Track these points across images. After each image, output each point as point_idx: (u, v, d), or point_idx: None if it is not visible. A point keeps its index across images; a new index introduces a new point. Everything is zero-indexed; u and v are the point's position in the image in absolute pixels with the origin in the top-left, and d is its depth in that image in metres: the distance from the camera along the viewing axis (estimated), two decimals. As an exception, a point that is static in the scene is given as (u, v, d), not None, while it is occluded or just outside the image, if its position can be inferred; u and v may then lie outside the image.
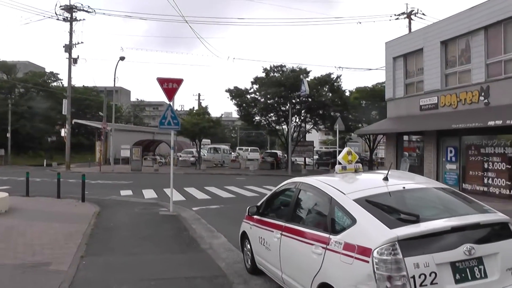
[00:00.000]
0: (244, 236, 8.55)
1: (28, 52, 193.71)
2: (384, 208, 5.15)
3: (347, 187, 5.95)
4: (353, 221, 5.08)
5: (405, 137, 28.62)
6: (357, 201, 5.32)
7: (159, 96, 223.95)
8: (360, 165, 7.08)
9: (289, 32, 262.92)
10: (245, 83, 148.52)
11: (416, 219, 4.81)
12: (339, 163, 6.99)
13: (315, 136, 69.25)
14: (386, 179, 5.95)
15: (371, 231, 4.81)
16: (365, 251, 4.65)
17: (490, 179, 21.32)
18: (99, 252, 9.70)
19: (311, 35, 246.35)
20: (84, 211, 15.40)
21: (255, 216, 7.84)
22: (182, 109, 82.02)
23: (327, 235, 5.37)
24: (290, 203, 6.81)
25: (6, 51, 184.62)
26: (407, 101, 27.31)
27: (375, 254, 4.52)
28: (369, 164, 48.03)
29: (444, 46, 24.49)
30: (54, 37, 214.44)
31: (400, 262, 4.42)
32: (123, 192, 22.97)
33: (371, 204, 5.24)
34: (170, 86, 15.29)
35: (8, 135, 55.80)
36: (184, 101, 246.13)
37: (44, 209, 15.91)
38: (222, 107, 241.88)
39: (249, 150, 78.45)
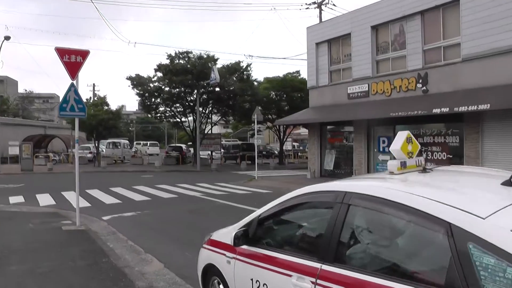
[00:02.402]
0: (212, 273, 5.56)
1: None
2: None
3: (473, 204, 3.15)
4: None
5: (330, 128, 26.63)
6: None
7: (50, 87, 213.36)
8: (423, 159, 4.42)
9: (195, 18, 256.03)
10: (147, 71, 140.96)
11: None
12: (394, 158, 4.39)
13: (214, 130, 66.72)
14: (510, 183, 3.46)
15: None
16: None
17: (429, 170, 19.63)
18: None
19: (218, 21, 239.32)
20: (-41, 229, 11.81)
21: (243, 246, 4.84)
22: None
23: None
24: (329, 229, 3.90)
25: None
26: (333, 89, 25.36)
27: None
28: (279, 157, 46.01)
29: (375, 31, 22.89)
30: None
31: None
32: (13, 199, 19.08)
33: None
34: (73, 59, 11.91)
35: None
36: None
37: None
38: (120, 98, 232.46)
39: (148, 145, 74.83)
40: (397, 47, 21.69)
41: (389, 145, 21.86)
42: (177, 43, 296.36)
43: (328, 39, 25.70)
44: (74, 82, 12.11)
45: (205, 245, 5.88)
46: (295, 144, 67.72)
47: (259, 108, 31.07)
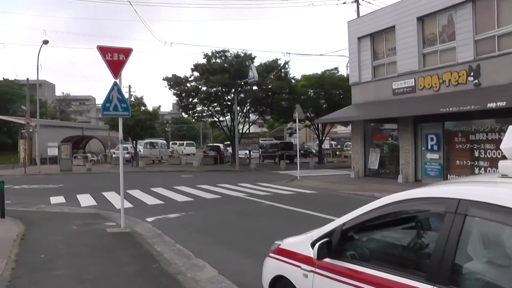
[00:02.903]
0: (284, 286, 4.91)
1: None
2: None
3: None
4: None
5: (374, 125, 25.78)
6: None
7: (86, 89, 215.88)
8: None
9: (231, 16, 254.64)
10: (183, 71, 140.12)
11: None
12: (505, 158, 3.75)
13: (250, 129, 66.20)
14: None
15: None
16: None
17: (482, 168, 18.87)
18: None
19: (255, 18, 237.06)
20: (2, 233, 11.42)
21: (326, 260, 4.21)
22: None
23: None
24: (439, 244, 3.24)
25: None
26: (377, 85, 24.52)
27: None
28: (319, 156, 45.14)
29: (421, 22, 21.94)
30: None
31: None
32: (54, 199, 18.83)
33: None
34: (116, 57, 11.50)
35: None
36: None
37: None
38: (155, 99, 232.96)
39: (184, 145, 74.69)
40: (446, 39, 20.70)
41: (437, 143, 21.24)
42: (213, 42, 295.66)
43: (370, 33, 24.85)
44: (117, 81, 11.71)
45: (272, 254, 5.26)
46: (333, 142, 66.72)
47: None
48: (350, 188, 20.75)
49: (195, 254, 9.09)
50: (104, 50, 11.47)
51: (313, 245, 4.37)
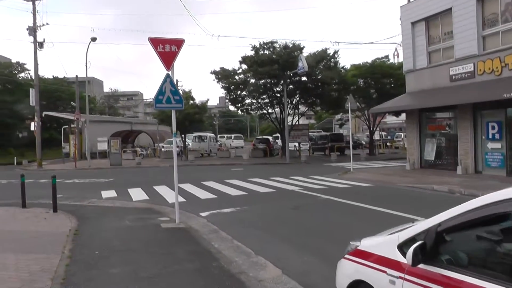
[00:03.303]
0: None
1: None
2: None
3: None
4: None
5: (430, 114, 24.75)
6: None
7: (133, 85, 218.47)
8: None
9: (277, 6, 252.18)
10: (232, 64, 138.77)
11: None
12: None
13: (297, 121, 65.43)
14: None
15: None
16: None
17: (550, 158, 17.74)
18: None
19: (302, 8, 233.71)
20: (55, 228, 11.22)
21: (420, 266, 3.65)
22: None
23: None
24: None
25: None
26: (432, 72, 23.48)
27: None
28: (370, 147, 44.03)
29: (481, 2, 20.67)
30: (18, 24, 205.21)
31: None
32: (105, 193, 18.71)
33: None
34: (168, 49, 11.14)
35: (-27, 131, 51.20)
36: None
37: (0, 227, 11.65)
38: (201, 93, 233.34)
39: (232, 138, 74.45)
40: (509, 18, 19.38)
41: (499, 131, 20.12)
42: (259, 34, 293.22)
43: (425, 17, 23.74)
44: (170, 72, 11.35)
45: (350, 256, 4.70)
46: (383, 133, 65.36)
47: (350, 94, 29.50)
48: (407, 180, 19.92)
49: (255, 251, 8.61)
50: (155, 42, 11.13)
51: (400, 248, 3.83)
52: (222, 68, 39.84)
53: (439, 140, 23.87)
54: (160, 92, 11.15)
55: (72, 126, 52.34)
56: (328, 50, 38.86)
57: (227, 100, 42.40)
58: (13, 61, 70.11)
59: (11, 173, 32.39)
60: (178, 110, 39.28)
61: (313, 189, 18.02)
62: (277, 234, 10.25)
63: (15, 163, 46.59)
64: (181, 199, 15.88)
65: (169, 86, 11.19)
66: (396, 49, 44.77)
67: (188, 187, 19.44)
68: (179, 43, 11.35)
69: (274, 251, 8.72)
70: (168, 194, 17.60)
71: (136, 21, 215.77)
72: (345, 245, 4.93)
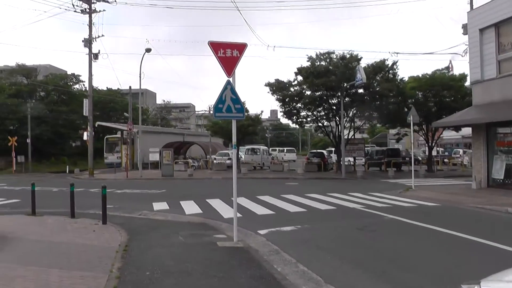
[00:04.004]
0: None
1: (49, 56, 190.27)
2: None
3: None
4: None
5: (500, 129, 23.13)
6: None
7: (186, 97, 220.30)
8: None
9: (334, 16, 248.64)
10: (286, 76, 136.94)
11: None
12: None
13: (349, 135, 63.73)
14: None
15: None
16: None
17: None
18: None
19: (359, 17, 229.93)
20: (104, 242, 10.46)
21: None
22: (211, 110, 77.53)
23: None
24: None
25: (27, 55, 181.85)
26: (503, 82, 21.88)
27: None
28: (428, 163, 42.09)
29: None
30: (74, 37, 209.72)
31: None
32: (157, 205, 18.02)
33: None
34: (229, 54, 10.29)
35: (28, 140, 51.95)
36: (212, 100, 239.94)
37: (47, 237, 11.03)
38: (254, 105, 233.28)
39: (285, 151, 73.48)
40: None
41: None
42: (317, 44, 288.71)
43: (495, 22, 22.11)
44: (231, 79, 10.49)
45: None
46: (440, 149, 63.06)
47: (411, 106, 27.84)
48: (476, 201, 18.39)
49: (324, 278, 7.55)
50: (216, 46, 10.30)
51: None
52: (277, 80, 38.88)
53: (509, 158, 22.27)
54: (220, 100, 10.30)
55: (113, 136, 52.86)
56: (386, 61, 37.41)
57: (281, 113, 41.16)
58: (69, 72, 71.48)
59: (63, 181, 32.35)
60: (244, 119, 38.73)
61: (376, 207, 16.77)
62: (346, 258, 9.17)
63: (67, 172, 47.16)
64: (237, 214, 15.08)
65: (229, 94, 10.33)
66: (450, 62, 42.89)
67: (243, 201, 18.49)
68: (241, 48, 10.50)
69: (347, 279, 7.68)
70: (222, 208, 16.75)
71: (189, 33, 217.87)
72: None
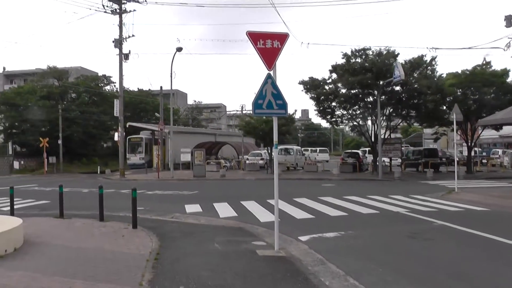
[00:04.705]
0: None
1: (80, 58, 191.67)
2: None
3: None
4: None
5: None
6: None
7: (216, 97, 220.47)
8: None
9: (367, 11, 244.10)
10: (321, 73, 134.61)
11: None
12: None
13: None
14: None
15: None
16: None
17: None
18: None
19: (392, 12, 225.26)
20: (134, 248, 9.70)
21: None
22: (245, 111, 76.73)
23: None
24: None
25: (59, 58, 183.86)
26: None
27: None
28: (467, 164, 40.36)
29: None
30: (104, 37, 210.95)
31: None
32: (189, 208, 17.24)
33: None
34: (269, 44, 9.41)
35: (60, 141, 52.31)
36: (244, 100, 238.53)
37: (74, 243, 10.32)
38: (288, 104, 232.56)
39: (317, 151, 72.34)
40: None
41: None
42: (352, 41, 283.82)
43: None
44: (271, 72, 9.59)
45: None
46: (476, 149, 61.06)
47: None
48: (528, 205, 17.20)
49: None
50: (255, 37, 9.43)
51: None
52: (311, 78, 37.79)
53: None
54: (260, 95, 9.43)
55: (135, 137, 52.51)
56: (424, 56, 35.97)
57: (315, 111, 39.88)
58: (100, 74, 71.84)
59: (94, 182, 32.02)
60: (264, 121, 37.76)
61: (421, 211, 15.61)
62: (401, 271, 8.16)
63: (98, 172, 47.12)
64: (273, 217, 14.20)
65: (270, 89, 9.44)
66: (484, 58, 41.09)
67: (280, 204, 17.36)
68: (282, 38, 9.60)
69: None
70: (258, 211, 15.94)
71: (221, 32, 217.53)
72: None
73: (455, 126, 24.23)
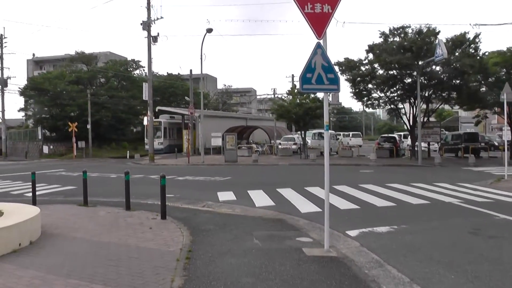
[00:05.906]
0: None
1: (108, 43, 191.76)
2: None
3: None
4: None
5: None
6: None
7: (247, 82, 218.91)
8: None
9: None
10: (357, 54, 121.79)
11: None
12: None
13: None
14: None
15: None
16: None
17: None
18: None
19: None
20: (162, 244, 8.61)
21: None
22: (276, 94, 75.06)
23: None
24: None
25: (87, 43, 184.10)
26: None
27: None
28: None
29: None
30: (132, 21, 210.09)
31: None
32: (222, 195, 16.12)
33: None
34: (318, 9, 8.04)
35: (89, 126, 52.08)
36: (275, 83, 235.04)
37: (96, 237, 9.31)
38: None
39: (350, 136, 70.69)
40: None
41: None
42: (389, 19, 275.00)
43: None
44: (321, 41, 8.21)
45: None
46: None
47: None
48: None
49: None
50: (302, 1, 8.07)
51: None
52: (346, 59, 36.00)
53: None
54: (309, 68, 8.08)
55: (154, 121, 51.25)
56: (467, 34, 33.80)
57: (351, 93, 38.07)
58: (128, 58, 71.44)
59: (123, 167, 31.22)
60: (298, 104, 36.21)
61: (476, 202, 14.02)
62: (477, 279, 6.72)
63: (127, 157, 46.59)
64: (314, 208, 13.00)
65: (320, 60, 8.09)
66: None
67: (319, 192, 16.28)
68: (333, 1, 8.17)
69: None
70: (296, 199, 14.75)
71: (252, 12, 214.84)
72: None
73: (505, 107, 22.59)
